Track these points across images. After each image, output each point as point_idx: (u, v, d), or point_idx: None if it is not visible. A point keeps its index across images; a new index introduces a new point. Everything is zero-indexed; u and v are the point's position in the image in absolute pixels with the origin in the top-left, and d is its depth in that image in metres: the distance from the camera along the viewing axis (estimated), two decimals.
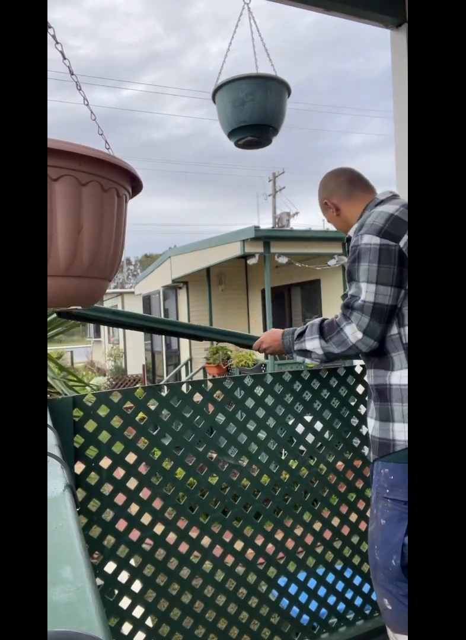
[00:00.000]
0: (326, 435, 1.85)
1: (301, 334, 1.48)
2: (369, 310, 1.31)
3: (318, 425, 1.83)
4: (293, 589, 1.78)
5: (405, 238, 1.30)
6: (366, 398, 1.55)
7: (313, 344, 1.44)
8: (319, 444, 1.84)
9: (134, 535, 1.50)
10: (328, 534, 1.84)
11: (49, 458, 0.74)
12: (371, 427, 1.43)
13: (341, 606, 1.86)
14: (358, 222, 1.44)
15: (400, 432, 1.33)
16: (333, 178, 1.57)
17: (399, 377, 1.35)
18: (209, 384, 1.71)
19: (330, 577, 1.85)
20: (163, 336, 11.48)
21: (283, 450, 1.80)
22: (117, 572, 1.47)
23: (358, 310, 1.33)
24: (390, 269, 1.30)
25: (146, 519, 1.52)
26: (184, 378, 9.87)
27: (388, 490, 1.34)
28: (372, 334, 1.32)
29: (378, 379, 1.41)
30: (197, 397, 1.64)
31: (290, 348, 1.51)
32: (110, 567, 1.47)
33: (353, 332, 1.34)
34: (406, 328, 1.33)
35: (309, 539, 1.80)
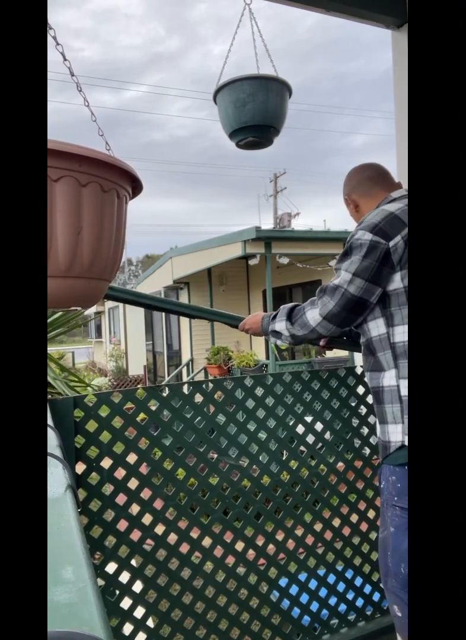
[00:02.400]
0: (327, 435, 1.85)
1: (275, 316, 1.55)
2: (338, 295, 1.35)
3: (319, 426, 1.83)
4: (294, 589, 1.78)
5: (397, 238, 1.31)
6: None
7: (280, 325, 1.51)
8: (320, 444, 1.84)
9: (135, 535, 1.50)
10: (328, 535, 1.84)
11: (50, 458, 0.74)
12: (377, 430, 1.44)
13: (342, 607, 1.86)
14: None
15: (394, 433, 1.33)
16: (356, 174, 1.58)
17: (389, 378, 1.35)
18: (210, 385, 1.71)
19: (331, 578, 1.85)
20: (164, 335, 11.49)
21: (284, 450, 1.80)
22: (118, 572, 1.48)
23: (329, 294, 1.37)
24: (371, 265, 1.32)
25: (147, 519, 1.52)
26: (185, 379, 9.88)
27: (396, 498, 1.33)
28: (333, 319, 1.36)
29: (373, 382, 1.41)
30: (198, 398, 1.64)
31: (266, 329, 1.58)
32: (111, 567, 1.47)
33: (313, 316, 1.40)
34: (396, 328, 1.34)
35: (310, 540, 1.80)
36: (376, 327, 1.38)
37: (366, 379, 1.49)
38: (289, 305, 1.53)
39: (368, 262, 1.32)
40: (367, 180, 1.53)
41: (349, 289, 1.34)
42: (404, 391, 1.31)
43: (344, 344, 1.81)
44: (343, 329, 1.41)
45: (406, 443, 1.30)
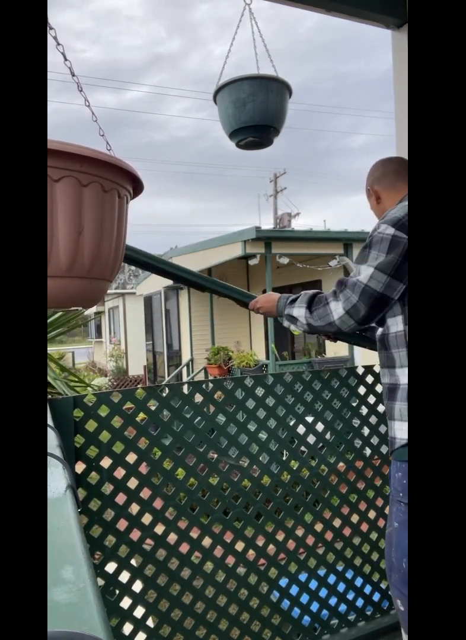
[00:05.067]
0: (327, 436, 1.85)
1: (294, 300, 1.50)
2: (359, 290, 1.31)
3: (319, 426, 1.83)
4: (294, 590, 1.78)
5: None
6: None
7: (299, 311, 1.46)
8: (321, 445, 1.84)
9: (135, 535, 1.50)
10: (329, 535, 1.84)
11: (50, 458, 0.74)
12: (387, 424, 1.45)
13: (342, 607, 1.86)
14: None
15: (400, 430, 1.34)
16: (381, 166, 1.55)
17: (402, 375, 1.35)
18: (210, 385, 1.71)
19: (331, 578, 1.85)
20: (164, 335, 11.48)
21: (284, 451, 1.80)
22: (118, 572, 1.48)
23: (350, 288, 1.33)
24: (394, 260, 1.29)
25: (147, 519, 1.52)
26: (185, 379, 9.87)
27: (401, 494, 1.34)
28: (355, 315, 1.32)
29: (385, 378, 1.41)
30: (198, 398, 1.64)
31: (282, 312, 1.53)
32: (111, 567, 1.47)
33: (336, 308, 1.35)
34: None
35: (310, 540, 1.80)
36: (394, 323, 1.36)
37: (380, 375, 1.49)
38: (311, 292, 1.48)
39: (391, 257, 1.29)
40: (393, 173, 1.51)
41: (370, 284, 1.30)
42: None
43: (351, 337, 1.79)
44: (361, 327, 1.37)
45: None
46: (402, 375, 1.34)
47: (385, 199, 1.51)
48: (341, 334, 1.60)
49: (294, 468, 1.78)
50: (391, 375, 1.39)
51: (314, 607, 1.81)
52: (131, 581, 1.49)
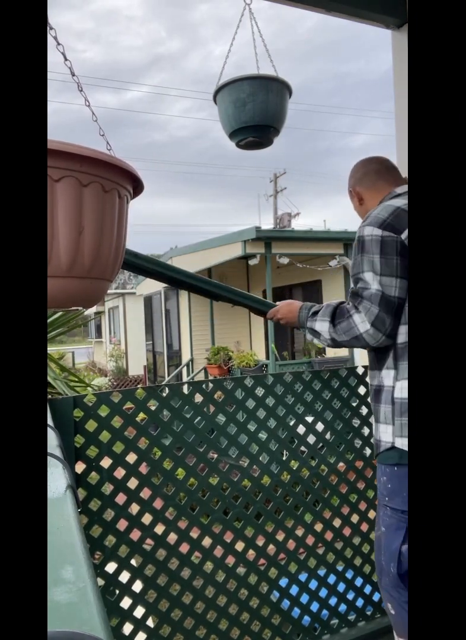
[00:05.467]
0: (328, 436, 1.85)
1: (316, 313, 1.43)
2: (377, 299, 1.26)
3: (319, 426, 1.83)
4: (294, 590, 1.78)
5: (407, 232, 1.27)
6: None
7: (322, 326, 1.39)
8: (321, 445, 1.84)
9: (135, 535, 1.50)
10: (329, 535, 1.84)
11: (50, 458, 0.74)
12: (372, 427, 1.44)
13: (342, 607, 1.86)
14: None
15: (384, 433, 1.33)
16: (362, 167, 1.53)
17: (387, 378, 1.34)
18: (210, 385, 1.71)
19: (331, 578, 1.85)
20: (164, 335, 11.48)
21: (284, 451, 1.80)
22: (118, 572, 1.48)
23: (368, 300, 1.27)
24: (393, 260, 1.27)
25: (147, 519, 1.52)
26: (185, 379, 9.87)
27: (387, 498, 1.35)
28: (381, 327, 1.26)
29: (372, 380, 1.41)
30: (198, 398, 1.64)
31: (304, 323, 1.47)
32: (111, 567, 1.47)
33: (362, 321, 1.28)
34: (399, 328, 1.31)
35: (310, 540, 1.80)
36: None
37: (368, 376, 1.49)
38: (334, 303, 1.40)
39: (389, 258, 1.27)
40: (373, 173, 1.49)
41: (386, 291, 1.26)
42: (398, 393, 1.30)
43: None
44: (389, 341, 1.29)
45: (396, 445, 1.30)
46: (387, 378, 1.34)
47: (367, 200, 1.49)
48: (368, 348, 1.43)
49: (294, 468, 1.78)
50: (377, 377, 1.38)
51: (314, 607, 1.81)
52: (131, 581, 1.49)
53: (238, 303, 1.73)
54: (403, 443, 1.29)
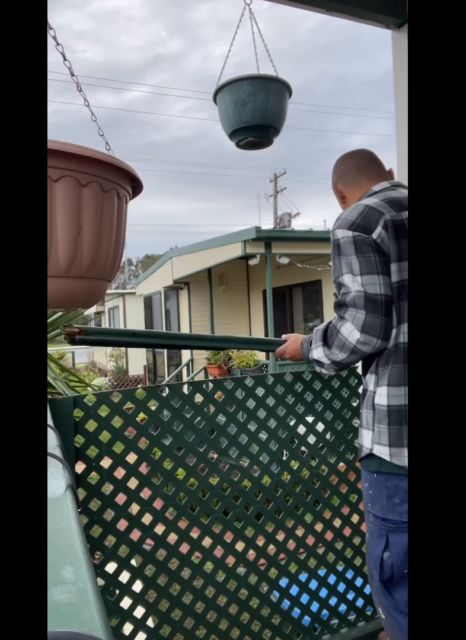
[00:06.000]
0: (328, 436, 1.85)
1: (311, 342, 1.38)
2: (361, 302, 1.20)
3: (320, 426, 1.83)
4: (294, 590, 1.78)
5: (378, 229, 1.23)
6: None
7: (318, 352, 1.33)
8: (321, 445, 1.84)
9: (135, 535, 1.50)
10: (329, 535, 1.84)
11: (50, 458, 0.74)
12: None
13: (342, 607, 1.86)
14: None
15: (366, 438, 1.32)
16: (342, 162, 1.49)
17: (370, 382, 1.33)
18: (210, 385, 1.71)
19: (332, 579, 1.85)
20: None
21: (284, 451, 1.80)
22: (118, 572, 1.47)
23: (351, 306, 1.21)
24: (371, 258, 1.21)
25: (147, 519, 1.52)
26: (185, 379, 9.87)
27: (369, 504, 1.34)
28: (372, 331, 1.20)
29: (363, 382, 1.40)
30: (198, 398, 1.64)
31: (306, 356, 1.41)
32: (111, 567, 1.47)
33: (350, 332, 1.22)
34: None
35: (310, 540, 1.80)
36: None
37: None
38: (322, 326, 1.34)
39: (366, 256, 1.22)
40: (354, 168, 1.45)
41: (368, 290, 1.20)
42: (378, 399, 1.28)
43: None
44: (386, 343, 1.23)
45: (374, 451, 1.28)
46: (370, 382, 1.32)
47: (349, 197, 1.45)
48: (367, 358, 1.32)
49: (295, 468, 1.78)
50: (364, 380, 1.37)
51: (315, 607, 1.81)
52: (131, 581, 1.49)
53: (246, 348, 1.69)
54: (380, 451, 1.26)
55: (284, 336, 1.60)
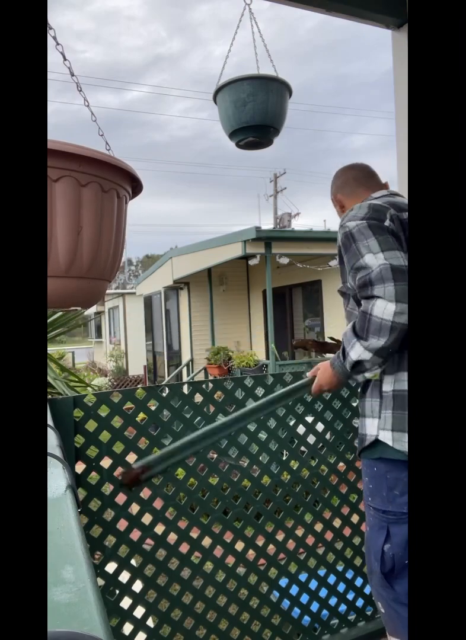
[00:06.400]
0: (327, 436, 1.85)
1: (344, 350, 1.27)
2: (389, 273, 1.12)
3: (319, 426, 1.83)
4: (294, 590, 1.78)
5: (388, 220, 1.27)
6: None
7: (355, 351, 1.21)
8: (321, 445, 1.84)
9: (135, 535, 1.50)
10: (329, 535, 1.84)
11: (50, 458, 0.74)
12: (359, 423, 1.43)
13: (342, 607, 1.86)
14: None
15: (370, 427, 1.33)
16: (342, 174, 1.56)
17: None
18: (210, 385, 1.71)
19: (332, 579, 1.85)
20: (165, 335, 11.48)
21: (284, 451, 1.80)
22: (118, 572, 1.48)
23: (378, 281, 1.13)
24: (388, 238, 1.21)
25: (147, 519, 1.52)
26: (185, 379, 9.87)
27: (370, 498, 1.36)
28: (406, 298, 1.11)
29: None
30: (198, 398, 1.64)
31: (343, 371, 1.28)
32: (111, 567, 1.47)
33: (384, 308, 1.12)
34: None
35: (310, 540, 1.80)
36: None
37: None
38: (347, 328, 1.26)
39: (384, 236, 1.21)
40: (353, 180, 1.52)
41: (393, 262, 1.14)
42: (385, 387, 1.30)
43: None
44: None
45: (380, 437, 1.30)
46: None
47: (348, 207, 1.49)
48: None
49: (294, 468, 1.78)
50: None
51: (314, 607, 1.81)
52: (131, 581, 1.49)
53: (279, 406, 1.48)
54: (385, 436, 1.28)
55: (309, 373, 1.47)
